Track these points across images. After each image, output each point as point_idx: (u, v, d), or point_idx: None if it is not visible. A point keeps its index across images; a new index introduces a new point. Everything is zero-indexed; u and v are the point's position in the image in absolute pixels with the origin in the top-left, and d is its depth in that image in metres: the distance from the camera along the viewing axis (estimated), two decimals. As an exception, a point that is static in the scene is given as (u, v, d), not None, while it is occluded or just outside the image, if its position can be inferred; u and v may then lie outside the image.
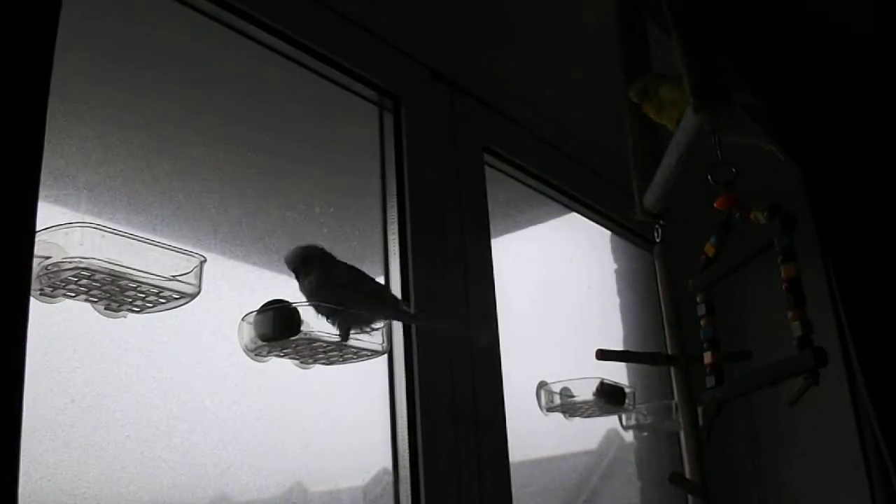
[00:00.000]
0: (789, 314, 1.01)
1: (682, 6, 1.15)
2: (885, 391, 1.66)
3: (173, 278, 1.00)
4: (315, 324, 1.17)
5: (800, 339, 0.99)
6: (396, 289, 1.42)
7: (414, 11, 1.53)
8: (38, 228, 0.72)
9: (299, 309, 1.16)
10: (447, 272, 1.50)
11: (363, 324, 1.24)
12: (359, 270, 1.29)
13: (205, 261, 1.04)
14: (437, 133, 1.59)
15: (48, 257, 0.91)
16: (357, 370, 1.30)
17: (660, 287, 1.35)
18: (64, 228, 0.92)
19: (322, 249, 1.26)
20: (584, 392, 1.71)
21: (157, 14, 1.22)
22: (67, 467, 0.95)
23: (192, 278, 1.02)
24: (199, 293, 1.03)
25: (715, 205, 1.13)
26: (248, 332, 1.16)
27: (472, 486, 1.40)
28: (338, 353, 1.22)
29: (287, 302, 1.16)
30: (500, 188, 1.76)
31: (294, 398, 1.24)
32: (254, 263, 1.25)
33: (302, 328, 1.15)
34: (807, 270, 1.05)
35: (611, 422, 1.95)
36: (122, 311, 1.01)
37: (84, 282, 0.94)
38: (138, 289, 0.98)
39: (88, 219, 0.98)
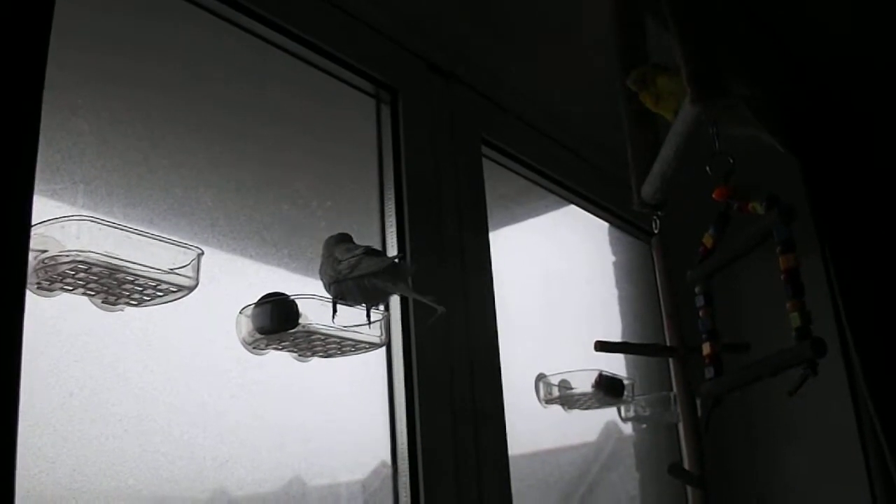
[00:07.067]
0: (788, 305, 1.01)
1: (680, -4, 1.15)
2: (883, 381, 1.66)
3: (171, 271, 0.99)
4: (314, 316, 1.17)
5: (798, 329, 1.00)
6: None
7: (411, 3, 1.53)
8: (34, 222, 0.72)
9: (297, 301, 1.16)
10: (445, 265, 1.50)
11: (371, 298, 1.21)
12: (360, 247, 1.22)
13: (202, 254, 1.03)
14: (435, 125, 1.59)
15: (45, 251, 0.91)
16: (355, 363, 1.29)
17: (658, 278, 1.35)
18: (61, 222, 0.92)
19: (331, 236, 1.25)
20: (583, 384, 1.71)
21: (153, 7, 1.21)
22: (66, 461, 0.95)
23: (189, 271, 1.01)
24: (196, 286, 1.03)
25: (713, 196, 1.13)
26: (246, 324, 1.15)
27: (471, 479, 1.40)
28: (336, 345, 1.22)
29: (285, 295, 1.15)
30: (497, 180, 1.76)
31: (292, 391, 1.24)
32: (251, 257, 1.25)
33: (300, 321, 1.15)
34: (805, 261, 1.04)
35: (610, 414, 1.95)
36: (119, 304, 1.01)
37: (81, 275, 0.94)
38: (136, 282, 0.98)
39: (85, 212, 0.98)
